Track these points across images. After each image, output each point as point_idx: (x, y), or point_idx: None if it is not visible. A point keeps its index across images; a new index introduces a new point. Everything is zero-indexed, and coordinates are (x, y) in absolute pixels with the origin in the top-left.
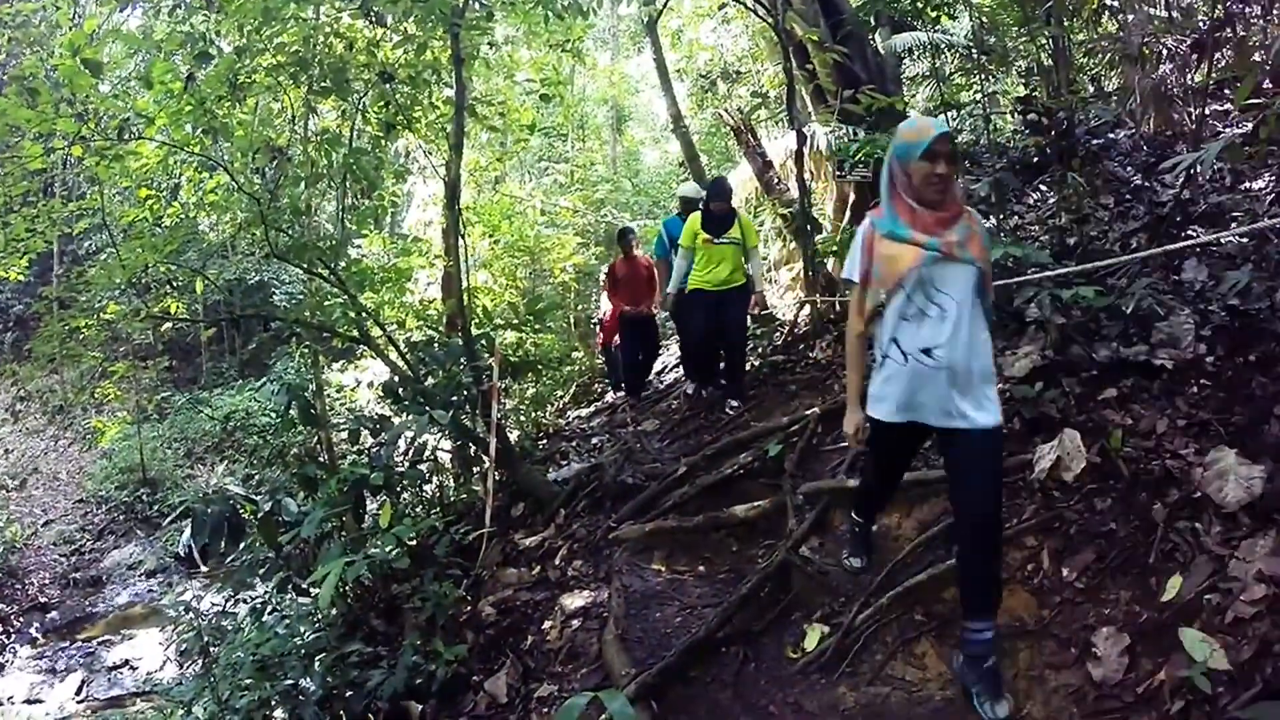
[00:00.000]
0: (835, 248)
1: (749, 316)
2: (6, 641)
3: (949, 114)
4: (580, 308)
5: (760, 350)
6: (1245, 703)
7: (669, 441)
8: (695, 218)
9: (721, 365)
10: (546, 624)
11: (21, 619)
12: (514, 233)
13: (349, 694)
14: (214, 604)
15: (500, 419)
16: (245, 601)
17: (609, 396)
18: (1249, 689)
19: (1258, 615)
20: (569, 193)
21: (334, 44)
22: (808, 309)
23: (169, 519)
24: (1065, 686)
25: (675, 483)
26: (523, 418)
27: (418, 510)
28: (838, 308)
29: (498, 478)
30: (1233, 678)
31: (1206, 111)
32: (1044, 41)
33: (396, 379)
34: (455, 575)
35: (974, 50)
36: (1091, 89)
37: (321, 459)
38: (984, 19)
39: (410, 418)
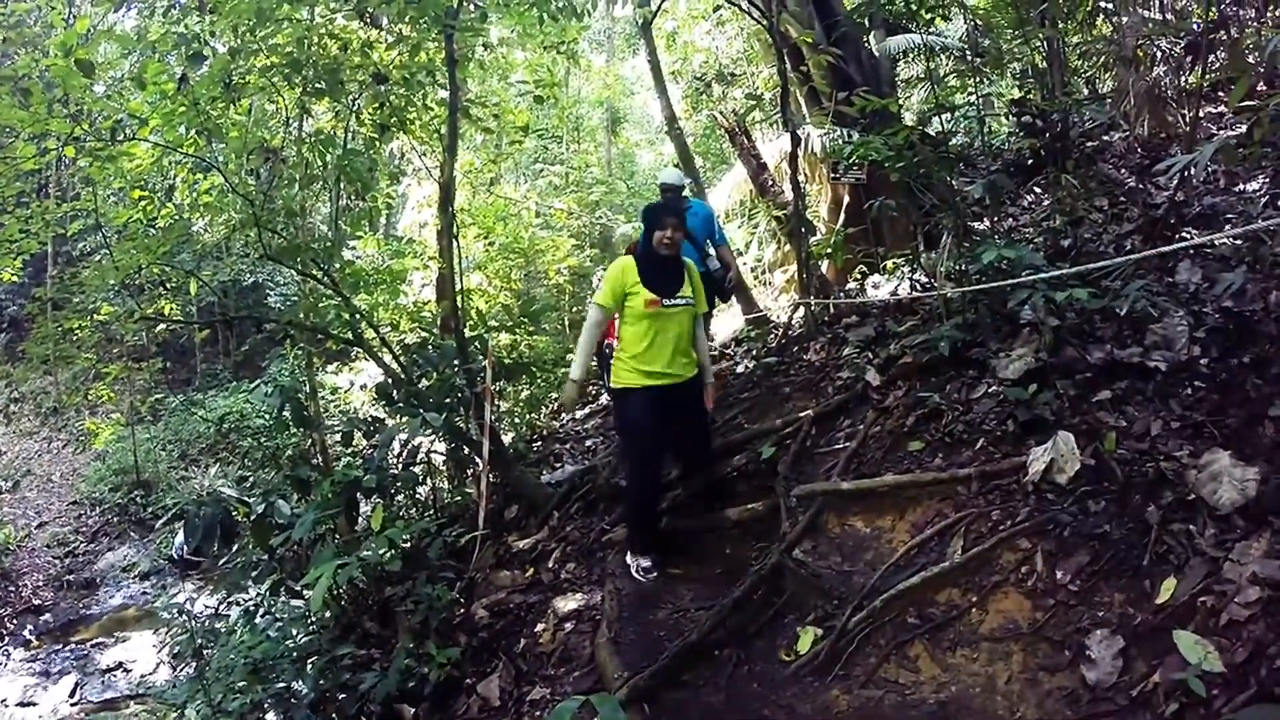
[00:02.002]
0: (829, 249)
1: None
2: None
3: (943, 116)
4: (575, 310)
5: (754, 353)
6: (1240, 705)
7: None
8: (625, 265)
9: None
10: (539, 627)
11: (15, 621)
12: (508, 235)
13: (342, 697)
14: (207, 606)
15: (494, 421)
16: (238, 604)
17: (604, 398)
18: (1243, 691)
19: (1252, 618)
20: (564, 195)
21: (328, 45)
22: (801, 311)
23: (162, 521)
24: (1059, 689)
25: (668, 485)
26: (517, 420)
27: (411, 513)
28: (831, 309)
29: (491, 480)
30: (1227, 680)
31: (1200, 113)
32: (1038, 44)
33: (390, 381)
34: (448, 578)
35: (968, 53)
36: (1086, 91)
37: (315, 461)
38: (978, 21)
39: (404, 420)
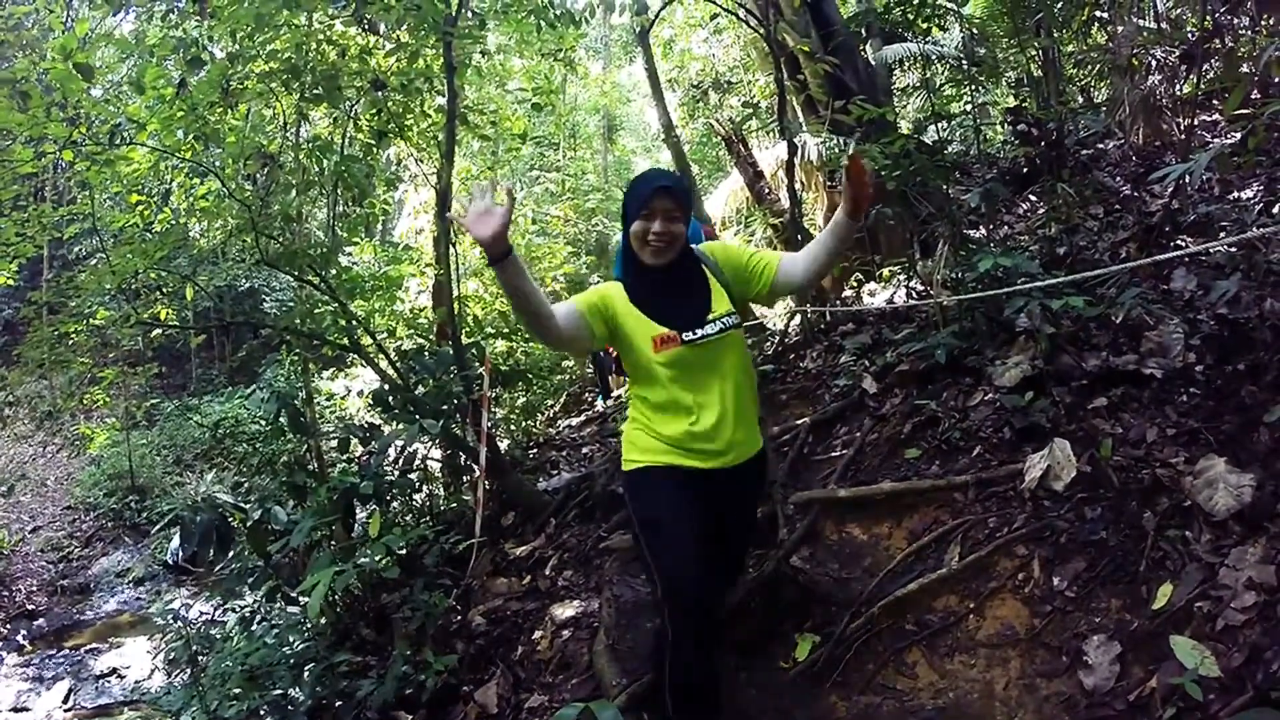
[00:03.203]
0: None
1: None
2: None
3: (939, 125)
4: None
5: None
6: (1236, 709)
7: None
8: (607, 293)
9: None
10: (537, 634)
11: (9, 626)
12: None
13: (338, 704)
14: (202, 612)
15: (490, 428)
16: (234, 610)
17: (598, 405)
18: (1240, 696)
19: (1248, 622)
20: (560, 202)
21: (326, 51)
22: (798, 319)
23: (157, 526)
24: (1057, 695)
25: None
26: (513, 427)
27: (407, 519)
28: (828, 317)
29: (488, 487)
30: (1224, 685)
31: (1195, 122)
32: (1034, 53)
33: (386, 387)
34: (445, 585)
35: (964, 61)
36: (1081, 100)
37: (311, 467)
38: (974, 30)
39: (400, 426)
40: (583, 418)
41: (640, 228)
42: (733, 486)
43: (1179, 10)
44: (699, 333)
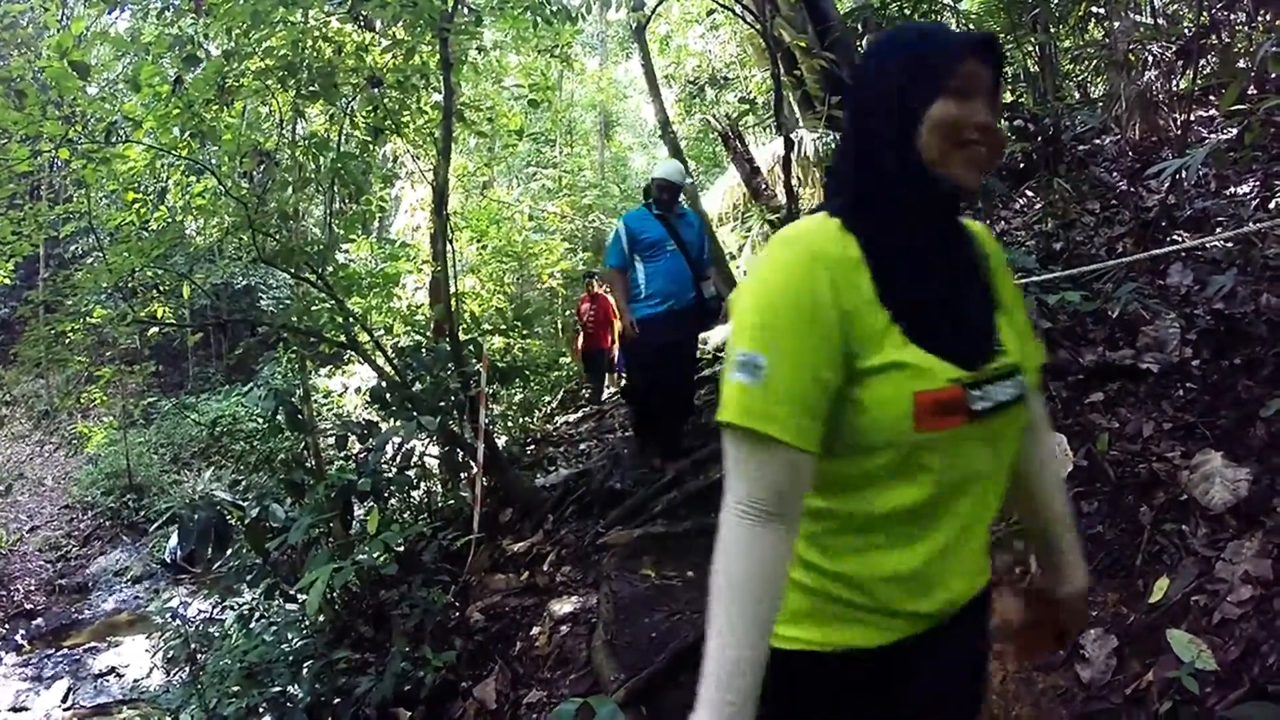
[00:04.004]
0: None
1: None
2: None
3: None
4: (568, 313)
5: None
6: (1232, 703)
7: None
8: (832, 268)
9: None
10: (535, 630)
11: (7, 626)
12: (502, 238)
13: (337, 701)
14: (201, 610)
15: (488, 424)
16: (232, 608)
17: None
18: (1236, 689)
19: (1244, 616)
20: (557, 198)
21: (322, 48)
22: None
23: (155, 525)
24: (1054, 688)
25: (663, 488)
26: (510, 423)
27: (405, 516)
28: None
29: (485, 483)
30: (1220, 678)
31: (1192, 117)
32: (1030, 48)
33: (384, 384)
34: (443, 581)
35: None
36: (1077, 95)
37: (309, 465)
38: (971, 26)
39: (398, 423)
40: (580, 414)
41: (954, 113)
42: (943, 648)
43: (1176, 6)
44: (993, 397)
